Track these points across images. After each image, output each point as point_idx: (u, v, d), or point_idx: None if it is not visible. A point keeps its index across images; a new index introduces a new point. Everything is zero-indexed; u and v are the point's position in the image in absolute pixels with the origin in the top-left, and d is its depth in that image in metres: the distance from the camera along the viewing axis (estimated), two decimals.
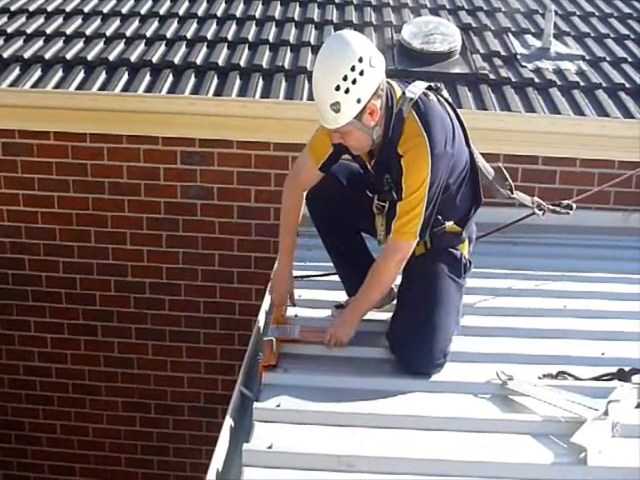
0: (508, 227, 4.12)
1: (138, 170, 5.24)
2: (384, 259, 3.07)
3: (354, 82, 2.80)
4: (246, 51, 5.49)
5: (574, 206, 3.88)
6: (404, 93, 2.97)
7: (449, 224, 3.16)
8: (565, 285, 3.92)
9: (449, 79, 5.24)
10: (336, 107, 2.83)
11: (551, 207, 3.82)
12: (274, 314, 3.34)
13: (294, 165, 3.36)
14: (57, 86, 5.13)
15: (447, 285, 3.13)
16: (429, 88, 3.04)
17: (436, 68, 5.34)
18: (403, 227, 2.97)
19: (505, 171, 3.54)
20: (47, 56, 5.35)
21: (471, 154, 3.17)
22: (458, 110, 3.16)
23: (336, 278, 3.55)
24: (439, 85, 3.13)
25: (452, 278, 3.14)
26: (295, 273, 3.60)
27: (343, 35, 2.92)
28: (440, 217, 3.08)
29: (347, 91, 2.81)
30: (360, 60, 2.79)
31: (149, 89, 5.11)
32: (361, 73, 2.80)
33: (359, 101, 2.84)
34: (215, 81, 5.19)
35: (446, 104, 3.08)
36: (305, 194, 3.32)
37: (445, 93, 3.15)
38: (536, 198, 3.74)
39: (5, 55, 5.37)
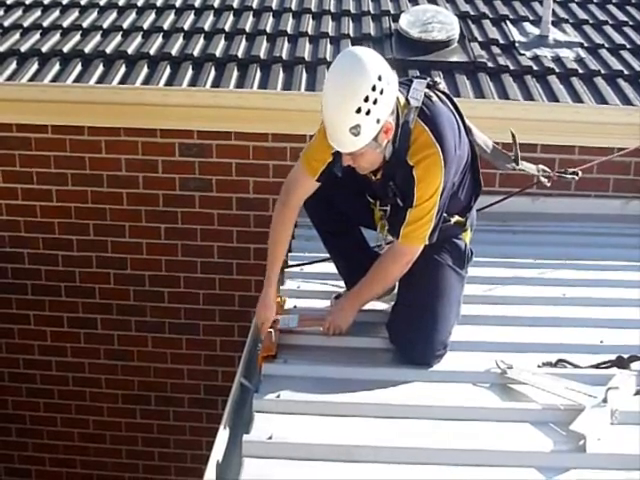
0: (511, 215, 4.13)
1: (136, 163, 5.23)
2: (391, 259, 3.06)
3: (375, 102, 2.70)
4: (243, 42, 5.48)
5: (580, 172, 3.84)
6: (408, 101, 2.88)
7: (455, 218, 3.16)
8: (564, 273, 3.92)
9: (447, 68, 5.24)
10: (356, 130, 2.72)
11: (557, 174, 3.77)
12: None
13: (286, 180, 3.21)
14: (54, 79, 5.11)
15: (449, 277, 3.13)
16: (427, 86, 2.98)
17: (434, 57, 5.33)
18: (413, 232, 2.95)
19: (516, 140, 3.49)
20: (44, 49, 5.33)
21: (470, 141, 3.15)
22: (456, 100, 3.14)
23: (334, 269, 3.55)
24: (436, 80, 3.09)
25: (454, 270, 3.15)
26: (292, 262, 3.62)
27: (357, 53, 2.78)
28: (446, 214, 3.05)
29: (368, 112, 2.70)
30: (379, 78, 2.70)
31: (146, 81, 5.09)
32: (381, 92, 2.70)
33: (378, 121, 2.75)
34: (212, 73, 5.18)
35: (446, 99, 3.04)
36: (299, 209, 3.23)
37: (442, 86, 3.10)
38: (542, 166, 3.69)
39: (2, 49, 5.35)
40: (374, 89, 2.69)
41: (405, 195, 2.96)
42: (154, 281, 5.50)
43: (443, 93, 3.06)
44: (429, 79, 3.04)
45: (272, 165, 5.14)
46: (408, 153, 2.88)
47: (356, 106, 2.69)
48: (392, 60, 4.97)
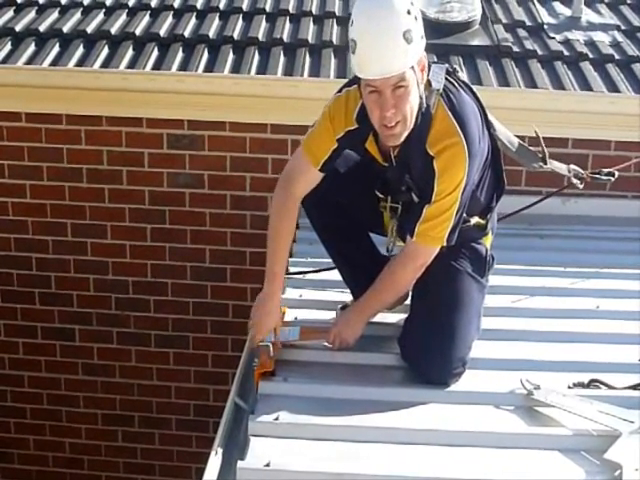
0: (538, 217, 4.13)
1: (119, 155, 5.24)
2: (402, 262, 3.06)
3: (416, 18, 2.76)
4: (240, 22, 5.48)
5: (616, 173, 3.83)
6: (430, 83, 2.89)
7: (474, 220, 3.16)
8: (598, 283, 3.91)
9: (468, 52, 5.24)
10: (409, 35, 2.72)
11: (591, 175, 3.75)
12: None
13: (285, 170, 3.19)
14: (29, 61, 5.12)
15: (469, 285, 3.12)
16: (446, 72, 2.98)
17: (453, 40, 5.33)
18: (429, 231, 2.95)
19: (540, 138, 3.48)
20: (17, 28, 5.34)
21: (491, 135, 3.15)
22: (477, 88, 3.14)
23: (340, 276, 3.54)
24: (455, 67, 3.09)
25: (474, 278, 3.14)
26: (294, 269, 3.60)
27: None
28: (465, 215, 3.04)
29: (416, 19, 2.75)
30: (412, 3, 2.76)
31: (132, 65, 5.10)
32: (415, 18, 2.76)
33: (423, 38, 2.79)
34: (205, 56, 5.18)
35: (467, 89, 3.05)
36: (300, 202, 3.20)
37: (462, 74, 3.11)
38: (573, 166, 3.68)
39: None
40: (412, 4, 2.75)
41: (422, 189, 2.95)
42: (138, 288, 5.50)
43: (463, 82, 3.06)
44: (448, 65, 3.04)
45: (271, 159, 5.14)
46: (427, 141, 2.88)
47: (406, 7, 2.73)
48: None
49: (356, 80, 2.89)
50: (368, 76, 2.78)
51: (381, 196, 3.23)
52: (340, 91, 3.06)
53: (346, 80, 3.16)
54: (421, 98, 2.86)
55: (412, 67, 2.77)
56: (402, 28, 2.71)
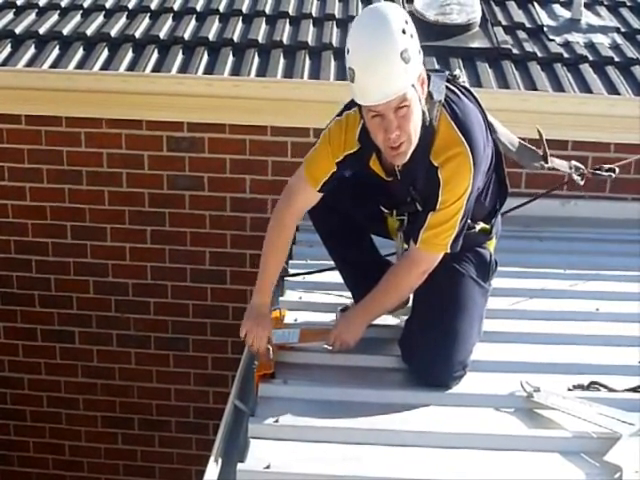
0: (538, 220, 4.15)
1: (119, 157, 5.24)
2: (407, 267, 3.06)
3: (412, 36, 2.75)
4: (240, 24, 5.48)
5: (617, 170, 3.83)
6: (431, 95, 2.88)
7: (479, 226, 3.16)
8: (598, 285, 3.91)
9: (468, 54, 5.24)
10: (407, 55, 2.70)
11: (592, 171, 3.76)
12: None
13: (286, 187, 3.21)
14: (29, 64, 5.12)
15: (472, 289, 3.12)
16: (447, 80, 2.98)
17: (453, 42, 5.33)
18: (433, 238, 2.95)
19: (543, 137, 3.47)
20: (17, 30, 5.34)
21: (493, 139, 3.14)
22: (477, 90, 3.13)
23: (341, 278, 3.54)
24: (455, 74, 3.09)
25: (478, 282, 3.14)
26: (294, 271, 3.61)
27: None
28: (470, 221, 3.05)
29: (412, 36, 2.74)
30: (406, 22, 2.75)
31: (131, 67, 5.10)
32: (411, 36, 2.75)
33: (420, 52, 2.78)
34: (205, 58, 5.18)
35: (468, 94, 3.04)
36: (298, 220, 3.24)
37: (462, 80, 3.11)
38: (574, 162, 3.67)
39: None
40: (407, 23, 2.74)
41: (426, 199, 2.95)
42: (138, 290, 5.50)
43: (464, 88, 3.06)
44: (448, 73, 3.04)
45: (271, 161, 5.14)
46: (432, 152, 2.87)
47: (400, 27, 2.71)
48: None
49: (356, 103, 2.87)
50: (370, 102, 2.77)
51: (386, 211, 3.24)
52: (340, 114, 3.05)
53: (345, 81, 3.15)
54: (424, 113, 2.85)
55: (412, 85, 2.76)
56: (399, 49, 2.70)
